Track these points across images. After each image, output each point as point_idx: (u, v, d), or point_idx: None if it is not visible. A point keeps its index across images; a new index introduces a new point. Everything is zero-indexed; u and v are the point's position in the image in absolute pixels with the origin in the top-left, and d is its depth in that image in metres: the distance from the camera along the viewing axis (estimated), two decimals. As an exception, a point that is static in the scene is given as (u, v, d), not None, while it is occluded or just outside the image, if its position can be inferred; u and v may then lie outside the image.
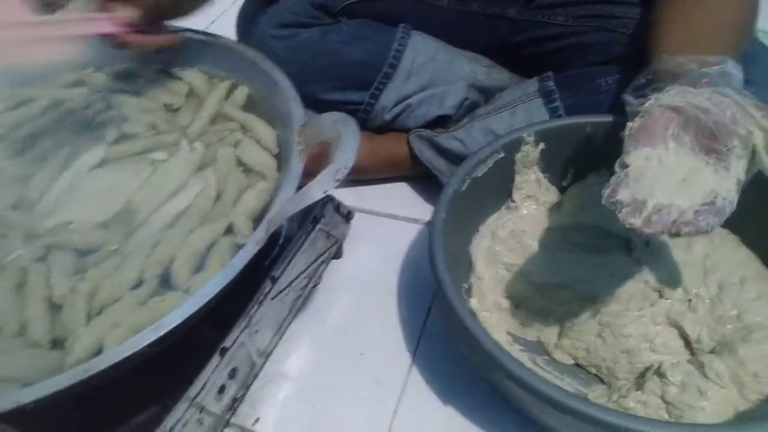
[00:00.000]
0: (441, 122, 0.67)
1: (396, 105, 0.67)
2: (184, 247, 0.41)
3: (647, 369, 0.48)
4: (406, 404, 0.53)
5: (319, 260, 0.60)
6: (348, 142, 0.40)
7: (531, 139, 0.57)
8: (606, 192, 0.40)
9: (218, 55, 0.56)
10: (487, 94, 0.68)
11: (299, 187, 0.42)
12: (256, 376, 0.55)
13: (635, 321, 0.50)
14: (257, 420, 0.53)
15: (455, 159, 0.63)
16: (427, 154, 0.66)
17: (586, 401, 0.39)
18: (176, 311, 0.34)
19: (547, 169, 0.59)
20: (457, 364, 0.54)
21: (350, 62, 0.65)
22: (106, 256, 0.42)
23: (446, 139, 0.64)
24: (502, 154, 0.56)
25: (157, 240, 0.42)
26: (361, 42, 0.65)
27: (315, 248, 0.57)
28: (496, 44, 0.69)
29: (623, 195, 0.39)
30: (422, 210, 0.70)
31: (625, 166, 0.40)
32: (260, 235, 0.38)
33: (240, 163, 0.48)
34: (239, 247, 0.42)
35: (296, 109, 0.47)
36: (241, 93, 0.53)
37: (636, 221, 0.38)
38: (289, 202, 0.39)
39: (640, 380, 0.48)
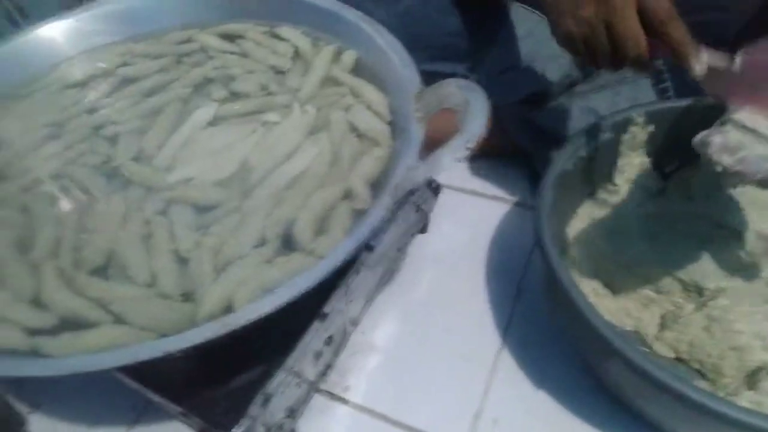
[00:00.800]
0: (536, 99, 0.64)
1: (490, 79, 0.65)
2: (305, 209, 0.40)
3: (759, 368, 0.46)
4: (496, 386, 0.52)
5: (408, 233, 0.59)
6: (478, 109, 0.38)
7: (641, 120, 0.54)
8: (699, 136, 0.39)
9: (323, 17, 0.55)
10: (584, 71, 0.65)
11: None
12: (345, 345, 0.55)
13: (748, 317, 0.48)
14: (347, 388, 0.53)
15: (550, 138, 0.61)
16: (519, 132, 0.64)
17: (729, 402, 0.37)
18: (312, 271, 0.33)
19: (652, 153, 0.56)
20: (550, 347, 0.53)
21: (449, 33, 0.63)
22: (225, 213, 0.42)
23: (542, 117, 0.62)
24: (609, 134, 0.54)
25: (277, 200, 0.42)
26: (462, 13, 0.62)
27: (407, 220, 0.57)
28: None
29: (716, 138, 0.38)
30: (507, 189, 0.68)
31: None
32: (387, 201, 0.37)
33: (352, 128, 0.47)
34: (357, 212, 0.42)
35: (411, 75, 0.46)
36: (349, 57, 0.52)
37: (727, 159, 0.37)
38: (418, 169, 0.38)
39: (750, 379, 0.46)
